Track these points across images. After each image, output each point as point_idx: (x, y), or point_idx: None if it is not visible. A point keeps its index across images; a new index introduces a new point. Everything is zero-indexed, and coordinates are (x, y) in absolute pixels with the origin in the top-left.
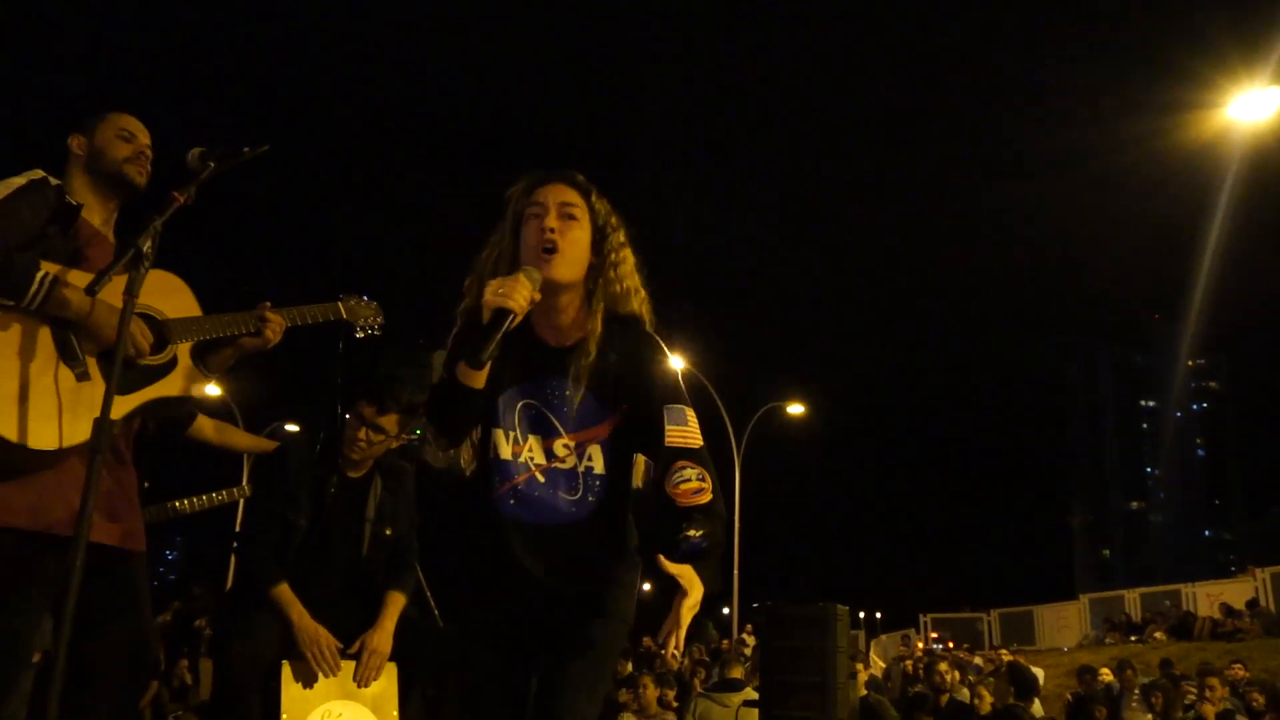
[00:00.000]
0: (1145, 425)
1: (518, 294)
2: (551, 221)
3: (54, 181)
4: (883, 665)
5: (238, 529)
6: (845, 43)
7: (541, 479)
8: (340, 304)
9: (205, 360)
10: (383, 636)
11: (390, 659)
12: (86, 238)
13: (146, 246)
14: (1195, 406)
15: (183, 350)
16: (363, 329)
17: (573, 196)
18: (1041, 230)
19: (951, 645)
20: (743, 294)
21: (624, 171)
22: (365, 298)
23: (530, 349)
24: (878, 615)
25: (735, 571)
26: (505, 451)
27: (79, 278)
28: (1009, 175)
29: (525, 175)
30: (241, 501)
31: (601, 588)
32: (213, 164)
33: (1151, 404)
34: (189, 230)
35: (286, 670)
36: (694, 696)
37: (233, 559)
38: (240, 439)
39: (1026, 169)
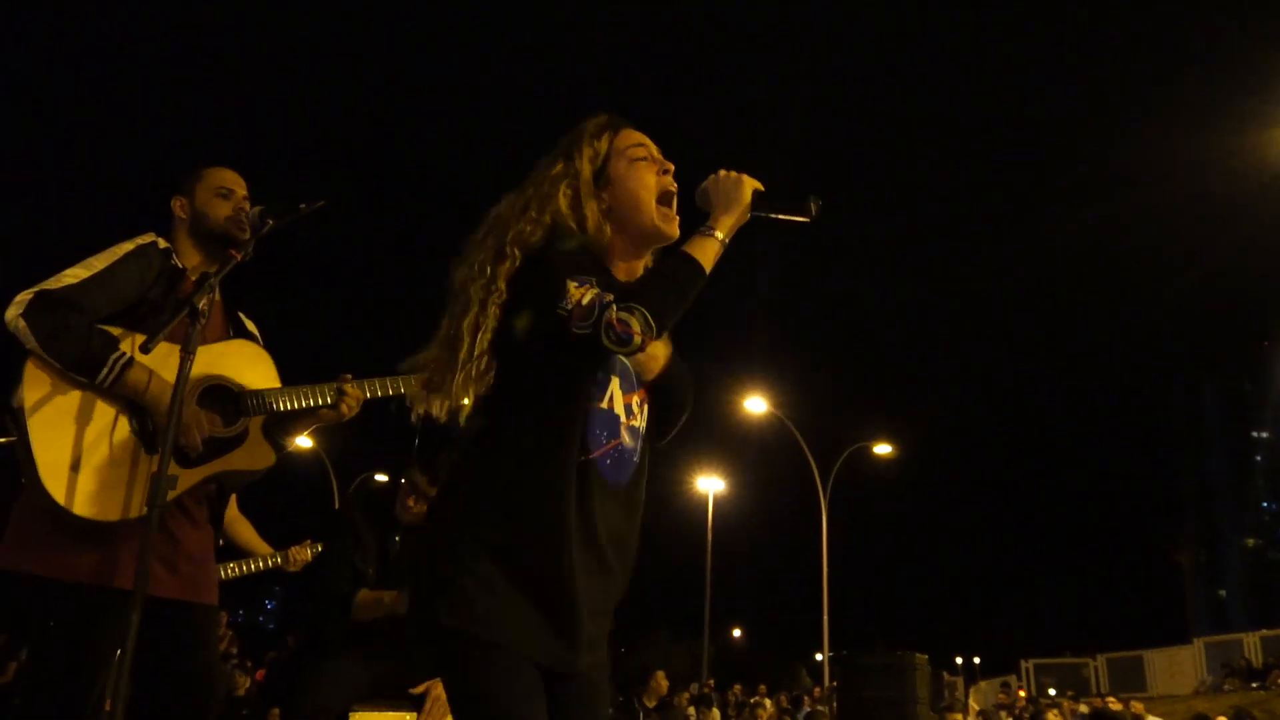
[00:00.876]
0: (1259, 458)
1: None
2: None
3: (163, 245)
4: (977, 709)
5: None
6: (929, 70)
7: (629, 442)
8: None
9: (283, 429)
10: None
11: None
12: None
13: (202, 304)
14: None
15: (255, 423)
16: None
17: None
18: (1139, 255)
19: (1054, 693)
20: (826, 334)
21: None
22: None
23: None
24: (976, 661)
25: (825, 617)
26: (618, 404)
27: (170, 347)
28: (1102, 199)
29: (593, 116)
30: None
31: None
32: (271, 221)
33: (1264, 435)
34: (276, 292)
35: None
36: None
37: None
38: (253, 543)
39: (1123, 192)
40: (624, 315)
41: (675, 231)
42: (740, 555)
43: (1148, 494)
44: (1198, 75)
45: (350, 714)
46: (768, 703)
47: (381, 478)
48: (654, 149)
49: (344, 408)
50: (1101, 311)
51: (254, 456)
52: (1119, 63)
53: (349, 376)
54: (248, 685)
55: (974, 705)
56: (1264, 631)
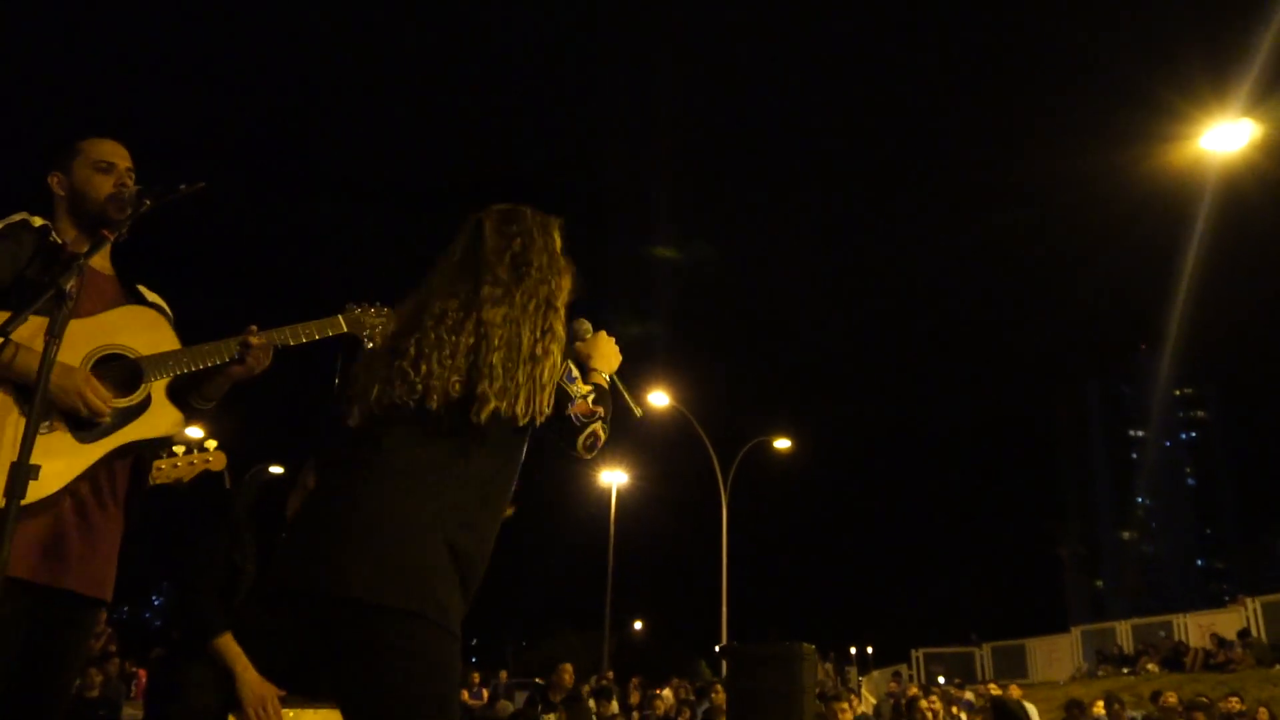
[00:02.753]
0: (1134, 455)
1: None
2: None
3: (38, 222)
4: (874, 701)
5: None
6: (834, 78)
7: None
8: (342, 316)
9: (197, 394)
10: None
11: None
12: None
13: (70, 286)
14: (1184, 436)
15: (157, 388)
16: (371, 338)
17: None
18: (1025, 263)
19: (943, 680)
20: (729, 331)
21: (608, 205)
22: (376, 304)
23: None
24: (869, 651)
25: (724, 609)
26: None
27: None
28: (998, 209)
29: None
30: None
31: None
32: (149, 202)
33: (1140, 434)
34: (186, 264)
35: None
36: None
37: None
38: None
39: (1009, 203)
40: (603, 431)
41: None
42: (642, 548)
43: (1032, 491)
44: (1088, 94)
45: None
46: (666, 693)
47: (276, 470)
48: None
49: (251, 361)
50: (993, 315)
51: (158, 422)
52: (1017, 79)
53: (254, 328)
54: (101, 683)
55: (867, 694)
56: (1135, 620)
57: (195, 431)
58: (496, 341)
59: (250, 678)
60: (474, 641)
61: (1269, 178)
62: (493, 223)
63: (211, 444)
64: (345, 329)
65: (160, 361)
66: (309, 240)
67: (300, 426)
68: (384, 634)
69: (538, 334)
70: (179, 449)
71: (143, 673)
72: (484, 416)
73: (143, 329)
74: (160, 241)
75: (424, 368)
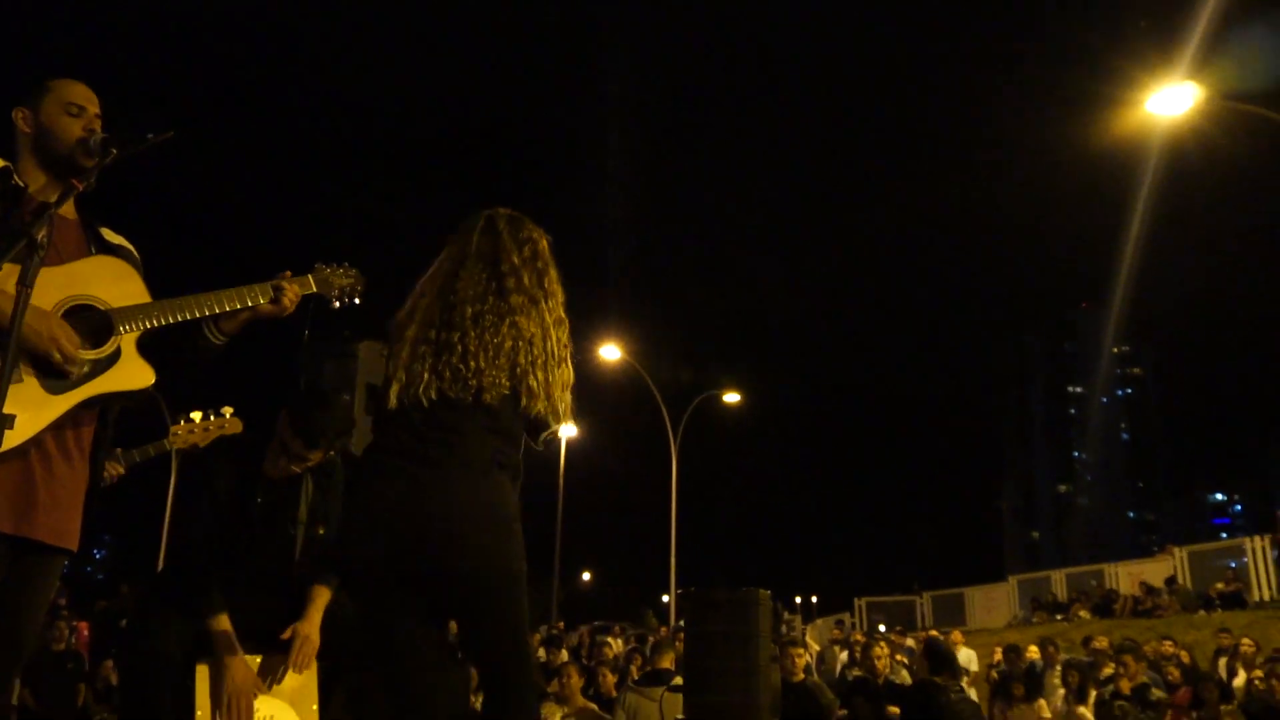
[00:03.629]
0: (1073, 411)
1: None
2: None
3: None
4: (817, 649)
5: (168, 530)
6: (790, 38)
7: None
8: (311, 276)
9: (215, 328)
10: (312, 626)
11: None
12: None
13: (41, 235)
14: (1120, 392)
15: (127, 342)
16: (339, 298)
17: None
18: (974, 223)
19: (884, 628)
20: (681, 286)
21: (560, 157)
22: (343, 265)
23: None
24: (813, 600)
25: (672, 559)
26: None
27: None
28: (942, 170)
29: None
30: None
31: None
32: (115, 150)
33: (1079, 390)
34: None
35: (202, 670)
36: (624, 691)
37: (161, 557)
38: None
39: (959, 165)
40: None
41: None
42: (592, 500)
43: (974, 445)
44: (1038, 58)
45: (199, 666)
46: (615, 641)
47: (196, 415)
48: None
49: (285, 302)
50: (940, 273)
51: (128, 377)
52: (970, 43)
53: (289, 273)
54: (68, 636)
55: (811, 641)
56: (1069, 569)
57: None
58: (536, 351)
59: (239, 668)
60: None
61: (1212, 142)
62: (505, 226)
63: (228, 410)
64: (314, 289)
65: (131, 314)
66: (275, 196)
67: (254, 384)
68: (509, 594)
69: (561, 345)
70: (196, 414)
71: (84, 626)
72: (533, 412)
73: (112, 280)
74: (124, 190)
75: (473, 364)
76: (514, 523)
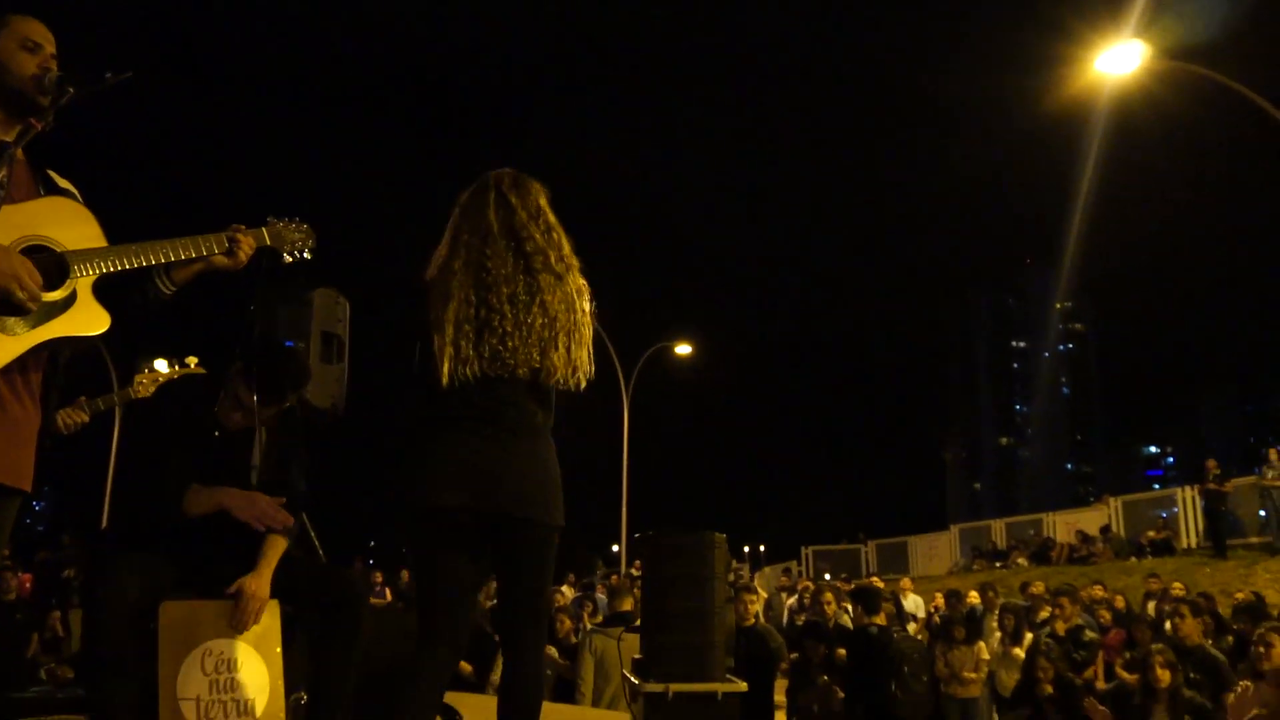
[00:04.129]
0: (1016, 365)
1: None
2: None
3: None
4: (765, 596)
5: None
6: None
7: None
8: (265, 230)
9: (166, 278)
10: (260, 582)
11: (273, 597)
12: None
13: (1, 175)
14: (1062, 347)
15: (84, 286)
16: (291, 253)
17: None
18: (923, 179)
19: (829, 576)
20: (635, 236)
21: (512, 106)
22: (295, 220)
23: None
24: (761, 549)
25: (624, 509)
26: None
27: None
28: (894, 127)
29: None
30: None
31: None
32: (72, 90)
33: (1022, 344)
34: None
35: (164, 611)
36: (589, 634)
37: (105, 507)
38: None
39: (911, 122)
40: None
41: None
42: None
43: (920, 397)
44: (990, 16)
45: (160, 605)
46: (566, 589)
47: (161, 364)
48: None
49: (240, 255)
50: (890, 227)
51: (85, 321)
52: (928, 2)
53: (241, 227)
54: (16, 586)
55: (759, 589)
56: (1008, 519)
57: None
58: (559, 325)
59: (234, 496)
60: (371, 544)
61: (1159, 102)
62: (515, 195)
63: (192, 360)
64: (268, 242)
65: (87, 257)
66: (225, 145)
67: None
68: (548, 545)
69: (582, 315)
70: (161, 363)
71: (27, 578)
72: (552, 382)
73: (69, 222)
74: (77, 132)
75: (510, 345)
76: (559, 482)
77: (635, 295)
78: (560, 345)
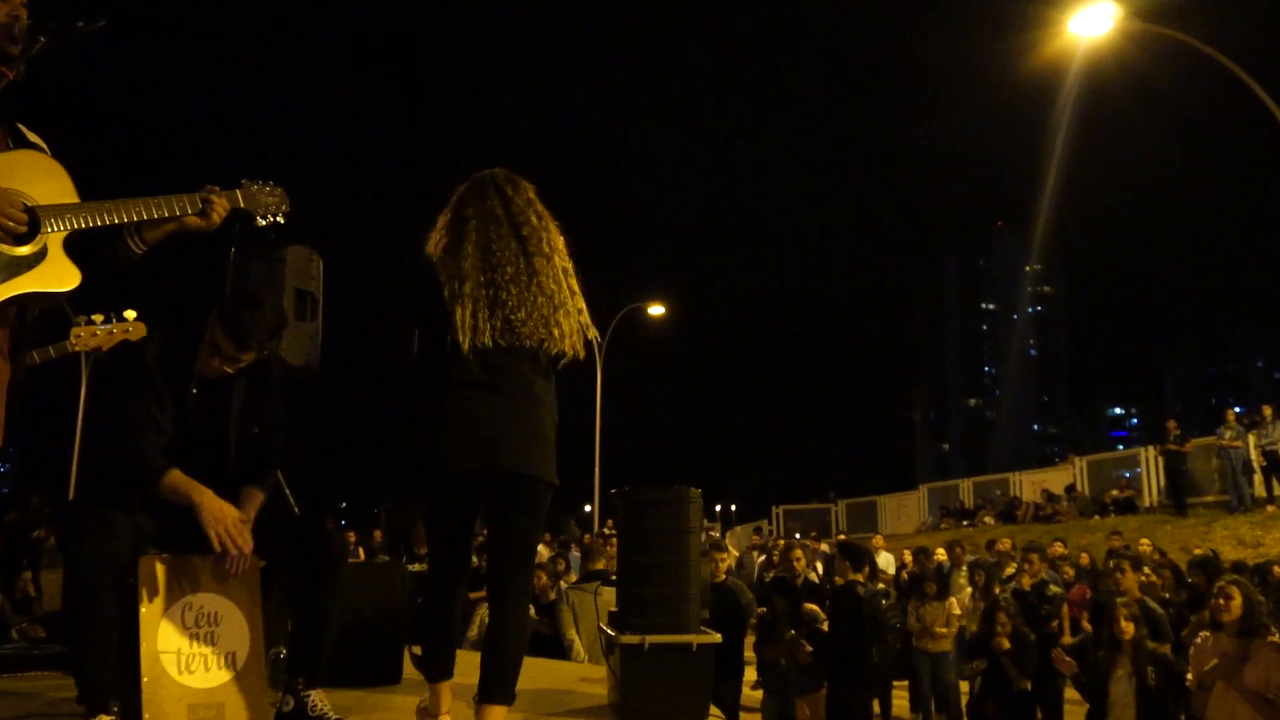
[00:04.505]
0: (985, 327)
1: None
2: None
3: None
4: (736, 554)
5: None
6: None
7: None
8: (239, 192)
9: (138, 238)
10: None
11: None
12: None
13: None
14: (1030, 310)
15: (54, 241)
16: (264, 216)
17: None
18: (897, 139)
19: (799, 535)
20: (607, 194)
21: (484, 64)
22: (269, 184)
23: None
24: (733, 508)
25: (597, 470)
26: None
27: None
28: (868, 89)
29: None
30: (82, 410)
31: None
32: (43, 39)
33: (991, 307)
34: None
35: (144, 566)
36: (566, 590)
37: (74, 467)
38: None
39: (883, 81)
40: None
41: None
42: None
43: (890, 358)
44: None
45: (140, 559)
46: (542, 549)
47: (98, 320)
48: None
49: (214, 216)
50: (863, 188)
51: (55, 277)
52: None
53: (216, 188)
54: None
55: (731, 547)
56: (976, 478)
57: None
58: (556, 301)
59: (209, 500)
60: (344, 505)
61: (1132, 64)
62: (510, 190)
63: (130, 314)
64: (242, 204)
65: (60, 212)
66: (204, 97)
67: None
68: (541, 499)
69: (571, 288)
70: (98, 317)
71: None
72: (554, 351)
73: (40, 176)
74: (49, 84)
75: (520, 316)
76: (554, 443)
77: (608, 256)
78: (559, 320)
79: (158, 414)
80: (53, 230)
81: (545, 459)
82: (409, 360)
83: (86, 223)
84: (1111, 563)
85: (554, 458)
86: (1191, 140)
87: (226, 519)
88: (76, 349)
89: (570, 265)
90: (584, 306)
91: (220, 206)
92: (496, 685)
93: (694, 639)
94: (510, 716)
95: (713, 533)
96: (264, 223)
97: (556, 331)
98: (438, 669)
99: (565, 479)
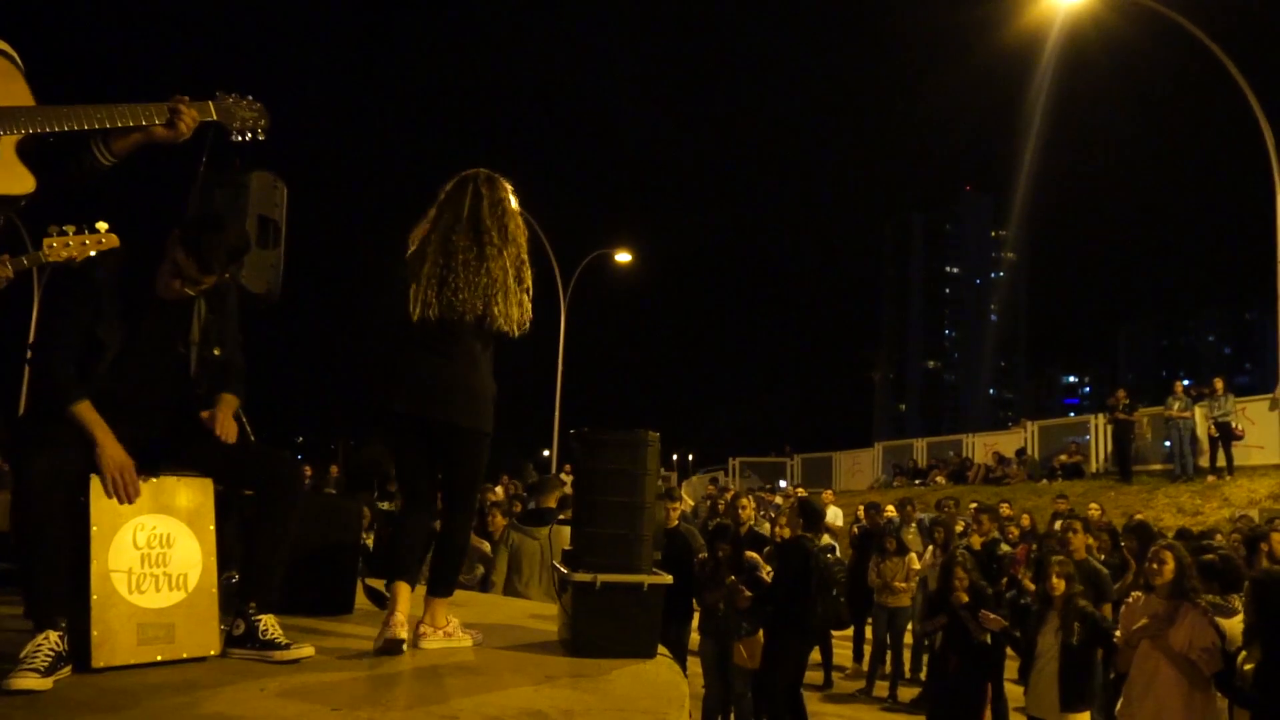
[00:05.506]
0: (948, 290)
1: None
2: None
3: None
4: (692, 503)
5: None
6: None
7: None
8: (212, 104)
9: (105, 149)
10: (225, 417)
11: (207, 475)
12: None
13: None
14: (993, 275)
15: (6, 144)
16: (240, 132)
17: None
18: (870, 100)
19: (758, 488)
20: (577, 139)
21: (458, 14)
22: (248, 98)
23: None
24: (690, 457)
25: (557, 416)
26: None
27: None
28: (842, 46)
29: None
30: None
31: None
32: None
33: (955, 270)
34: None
35: (96, 484)
36: (506, 529)
37: (26, 375)
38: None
39: (860, 41)
40: None
41: None
42: None
43: (852, 316)
44: None
45: (91, 477)
46: (498, 490)
47: (70, 231)
48: None
49: (182, 127)
50: (834, 146)
51: (7, 180)
52: None
53: (186, 98)
54: None
55: (686, 496)
56: (930, 439)
57: None
58: (498, 286)
59: (110, 446)
60: (300, 439)
61: (1109, 29)
62: (485, 190)
63: (103, 225)
64: (214, 117)
65: (11, 115)
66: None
67: (144, 208)
68: (473, 443)
69: (520, 279)
70: (70, 228)
71: None
72: (494, 328)
73: None
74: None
75: (461, 295)
76: (491, 399)
77: (576, 201)
78: (499, 300)
79: (104, 332)
80: (4, 134)
81: (475, 412)
82: (377, 323)
83: (40, 128)
84: (1060, 524)
85: (488, 410)
86: (1162, 111)
87: (126, 469)
88: (49, 259)
89: (526, 259)
90: (528, 297)
91: (189, 117)
92: (440, 583)
93: (645, 579)
94: (464, 650)
95: (669, 480)
96: (241, 139)
97: (496, 309)
98: (398, 571)
99: (524, 422)
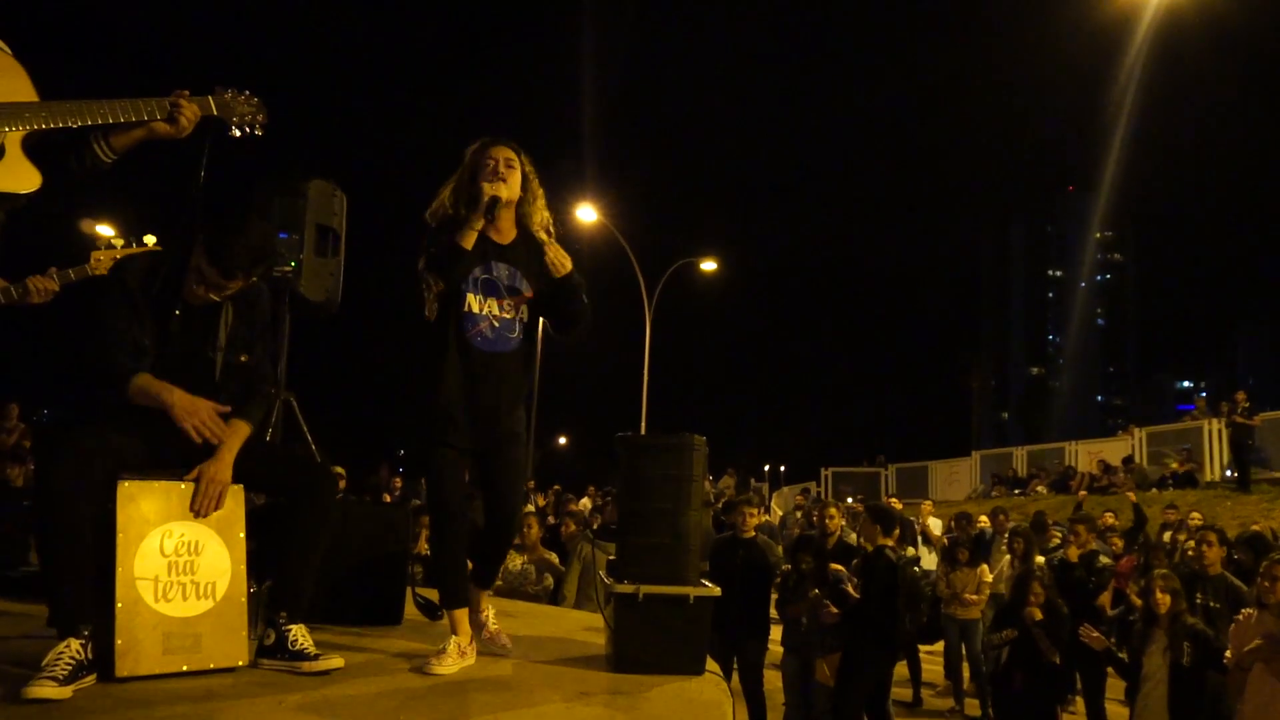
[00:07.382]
0: (1051, 294)
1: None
2: (501, 166)
3: None
4: (781, 514)
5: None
6: None
7: (496, 324)
8: (211, 99)
9: (105, 145)
10: (221, 466)
11: (240, 482)
12: None
13: None
14: (1099, 277)
15: (13, 141)
16: (239, 127)
17: (511, 155)
18: (964, 101)
19: (850, 500)
20: (663, 148)
21: (542, 15)
22: (245, 92)
23: (484, 245)
24: (782, 469)
25: (643, 425)
26: (475, 307)
27: None
28: (935, 46)
29: (481, 139)
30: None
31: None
32: None
33: (1058, 274)
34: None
35: (123, 491)
36: (580, 540)
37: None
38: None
39: (953, 41)
40: None
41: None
42: (566, 366)
43: (951, 323)
44: None
45: (119, 484)
46: (584, 501)
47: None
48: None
49: (184, 122)
50: (929, 150)
51: (14, 178)
52: None
53: (186, 92)
54: (20, 474)
55: (775, 507)
56: (1030, 446)
57: None
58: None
59: (178, 397)
60: (401, 452)
61: (1213, 13)
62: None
63: (150, 239)
64: (214, 112)
65: (15, 111)
66: (220, 29)
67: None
68: (512, 443)
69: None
70: (118, 241)
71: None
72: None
73: None
74: None
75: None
76: (525, 401)
77: (663, 209)
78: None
79: (138, 334)
80: (10, 130)
81: (522, 429)
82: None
83: (45, 123)
84: (1181, 535)
85: (523, 412)
86: (1272, 96)
87: (201, 411)
88: (97, 273)
89: (549, 217)
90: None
91: (189, 112)
92: (485, 575)
93: (691, 591)
94: (502, 663)
95: (760, 491)
96: (240, 134)
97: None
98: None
99: (612, 433)
